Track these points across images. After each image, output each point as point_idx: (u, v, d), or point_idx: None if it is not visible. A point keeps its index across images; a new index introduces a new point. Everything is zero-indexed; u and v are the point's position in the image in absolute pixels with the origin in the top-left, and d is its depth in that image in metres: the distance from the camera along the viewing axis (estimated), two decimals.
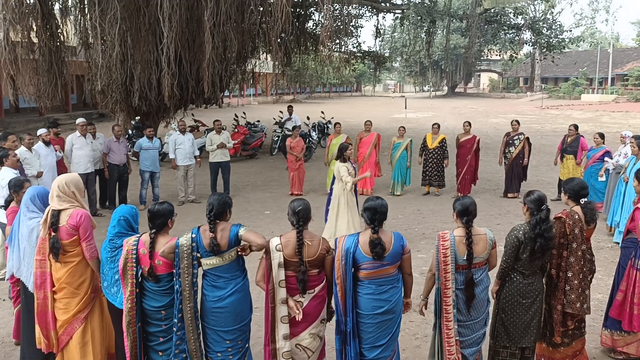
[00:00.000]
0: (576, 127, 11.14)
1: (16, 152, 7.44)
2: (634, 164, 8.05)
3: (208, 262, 3.83)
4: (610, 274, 5.25)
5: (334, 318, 3.92)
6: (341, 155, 7.78)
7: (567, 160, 10.94)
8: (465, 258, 3.94)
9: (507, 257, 4.28)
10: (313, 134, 18.14)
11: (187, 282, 3.80)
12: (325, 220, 8.19)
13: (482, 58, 70.73)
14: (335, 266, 3.81)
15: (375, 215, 3.78)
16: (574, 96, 54.67)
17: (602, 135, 10.16)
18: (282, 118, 18.30)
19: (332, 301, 4.00)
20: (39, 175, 8.42)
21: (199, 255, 3.84)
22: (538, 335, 4.45)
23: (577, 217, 4.48)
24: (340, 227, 7.69)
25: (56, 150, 9.41)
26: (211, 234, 3.78)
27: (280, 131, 18.24)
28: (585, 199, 4.57)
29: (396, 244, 3.80)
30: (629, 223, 4.88)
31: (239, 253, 3.86)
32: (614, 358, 4.96)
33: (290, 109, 15.53)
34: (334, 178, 8.04)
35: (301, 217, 3.78)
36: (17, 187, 5.00)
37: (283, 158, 16.76)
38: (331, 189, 8.16)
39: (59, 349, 4.38)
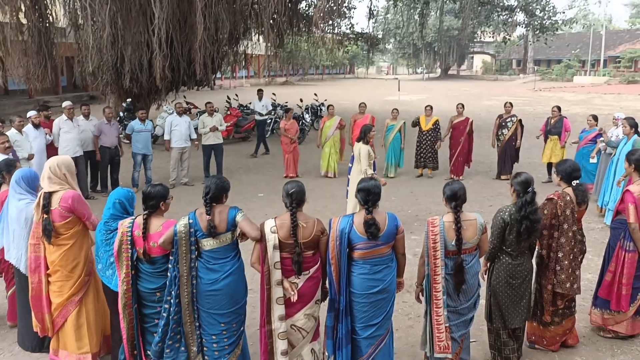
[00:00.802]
0: (559, 108, 11.17)
1: (7, 133, 7.38)
2: (625, 145, 8.10)
3: (206, 243, 3.84)
4: (600, 254, 5.32)
5: (328, 297, 3.96)
6: (364, 137, 7.68)
7: (550, 142, 10.98)
8: (454, 244, 3.97)
9: (494, 238, 4.34)
10: (306, 116, 18.09)
11: (185, 267, 3.81)
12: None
13: (475, 40, 70.54)
14: (330, 246, 3.84)
15: (369, 196, 3.80)
16: (567, 78, 54.72)
17: (595, 118, 10.19)
18: (250, 103, 17.90)
19: (327, 282, 4.04)
20: (30, 157, 8.37)
21: (196, 238, 3.85)
22: (528, 315, 4.52)
23: (568, 198, 4.53)
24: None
25: (46, 134, 9.33)
26: (208, 216, 3.79)
27: (273, 113, 18.14)
28: (577, 181, 4.61)
29: (390, 224, 3.83)
30: (618, 204, 4.93)
31: (239, 241, 3.90)
32: (604, 336, 5.04)
33: (260, 93, 15.16)
34: (352, 157, 8.04)
35: (295, 199, 3.79)
36: (8, 168, 4.97)
37: (276, 141, 16.74)
38: (350, 169, 8.11)
39: (54, 332, 4.41)
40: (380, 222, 3.79)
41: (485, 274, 4.50)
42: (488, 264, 4.48)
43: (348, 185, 8.19)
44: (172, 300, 3.84)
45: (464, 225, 3.98)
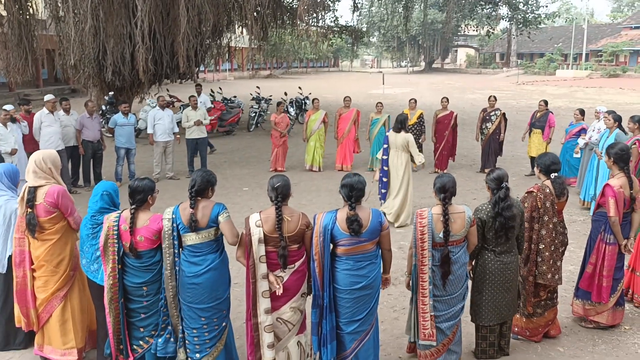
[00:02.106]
0: (546, 102, 11.24)
1: None
2: (607, 138, 8.20)
3: (188, 238, 3.84)
4: (582, 246, 5.41)
5: (312, 292, 3.96)
6: (403, 127, 7.89)
7: (534, 135, 11.06)
8: (441, 235, 4.01)
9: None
10: (291, 109, 18.04)
11: (168, 261, 3.83)
12: (381, 196, 8.30)
13: (459, 33, 70.95)
14: (314, 242, 3.84)
15: (352, 192, 3.80)
16: (549, 72, 55.29)
17: (582, 112, 10.24)
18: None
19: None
20: (13, 152, 8.26)
21: (179, 233, 3.85)
22: (515, 310, 4.57)
23: (548, 190, 4.59)
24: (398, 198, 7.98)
25: (22, 125, 9.16)
26: (191, 209, 3.78)
27: (257, 107, 18.07)
28: (556, 174, 4.68)
29: (374, 220, 3.83)
30: (599, 198, 5.01)
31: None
32: (585, 327, 5.12)
33: (198, 89, 14.58)
34: (384, 149, 8.10)
35: (280, 193, 3.78)
36: None
37: (261, 134, 16.70)
38: (384, 161, 8.15)
39: (39, 326, 4.37)
40: (363, 219, 3.78)
41: (471, 272, 4.54)
42: (470, 262, 4.50)
43: (385, 177, 8.16)
44: (162, 292, 3.85)
45: (452, 218, 4.02)
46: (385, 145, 8.19)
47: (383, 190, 8.35)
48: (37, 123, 9.39)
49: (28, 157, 8.57)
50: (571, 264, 6.41)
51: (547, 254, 4.60)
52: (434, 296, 4.09)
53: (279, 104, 12.27)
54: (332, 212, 3.91)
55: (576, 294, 5.20)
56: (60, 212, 4.23)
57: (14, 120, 8.91)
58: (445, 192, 4.02)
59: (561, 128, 10.81)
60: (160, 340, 3.91)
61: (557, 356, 4.63)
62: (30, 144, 9.19)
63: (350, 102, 12.01)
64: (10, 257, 4.45)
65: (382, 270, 4.01)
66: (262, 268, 3.79)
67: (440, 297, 4.13)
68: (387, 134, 8.31)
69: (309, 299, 4.02)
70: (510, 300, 4.48)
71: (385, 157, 8.16)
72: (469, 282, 4.35)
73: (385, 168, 8.17)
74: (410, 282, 4.22)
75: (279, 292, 3.78)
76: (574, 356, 4.63)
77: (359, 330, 3.91)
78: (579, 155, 9.69)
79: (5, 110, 8.55)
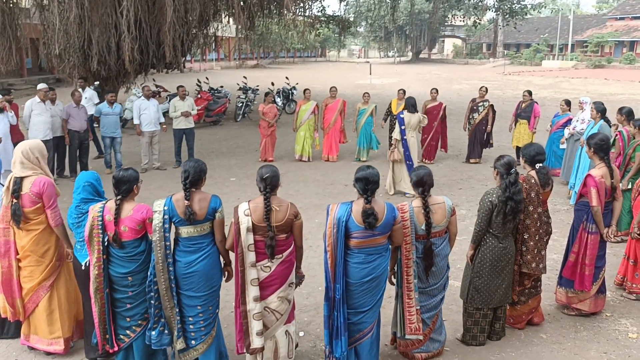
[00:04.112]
0: (530, 92, 11.31)
1: None
2: (591, 129, 8.30)
3: (184, 231, 3.85)
4: (566, 235, 5.50)
5: (323, 285, 3.96)
6: (415, 108, 9.10)
7: (520, 126, 11.16)
8: (423, 227, 4.05)
9: (481, 221, 4.44)
10: (278, 100, 17.99)
11: (160, 255, 3.80)
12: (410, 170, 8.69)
13: (446, 23, 70.90)
14: (327, 234, 3.84)
15: (367, 185, 3.79)
16: (535, 62, 55.56)
17: (568, 103, 10.33)
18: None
19: (300, 265, 4.12)
20: None
21: (171, 225, 3.86)
22: (509, 295, 4.66)
23: (533, 181, 4.66)
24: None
25: (10, 115, 9.07)
26: (187, 201, 3.78)
27: (244, 97, 18.00)
28: (541, 164, 4.75)
29: (388, 214, 3.83)
30: (581, 188, 5.09)
31: None
32: (568, 314, 5.22)
33: (82, 83, 13.07)
34: (402, 130, 8.83)
35: (269, 184, 3.80)
36: None
37: (248, 125, 16.65)
38: (405, 141, 8.91)
39: (25, 316, 4.37)
40: (378, 212, 3.78)
41: (472, 257, 4.60)
42: (474, 248, 4.57)
43: (408, 151, 8.95)
44: (152, 287, 3.86)
45: (433, 209, 4.07)
46: (402, 127, 8.89)
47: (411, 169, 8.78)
48: (27, 111, 9.34)
49: (14, 148, 8.55)
50: (555, 253, 6.51)
51: (531, 243, 4.67)
52: (417, 288, 4.15)
53: (266, 94, 12.23)
54: (347, 204, 3.88)
55: (559, 282, 5.29)
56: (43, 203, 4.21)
57: (1, 109, 8.81)
58: (423, 185, 4.07)
59: (547, 118, 10.92)
60: (154, 333, 3.91)
61: (540, 343, 4.72)
62: (16, 134, 9.09)
63: (336, 92, 12.01)
64: None
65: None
66: (251, 256, 3.81)
67: (423, 288, 4.20)
68: (402, 115, 8.98)
69: (299, 288, 4.05)
70: (508, 285, 4.57)
71: (404, 138, 8.93)
72: (449, 273, 4.41)
73: (407, 147, 8.96)
74: (394, 276, 4.26)
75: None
76: (557, 342, 4.73)
77: (364, 321, 3.93)
78: (564, 146, 9.80)
79: None
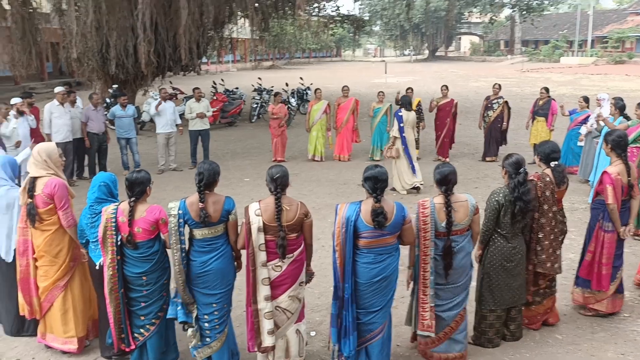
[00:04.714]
0: (547, 89, 11.18)
1: None
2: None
3: (198, 233, 3.89)
4: (583, 234, 5.41)
5: (332, 284, 3.95)
6: (411, 107, 9.46)
7: (537, 123, 11.03)
8: (444, 225, 4.01)
9: (488, 220, 4.39)
10: (292, 100, 18.02)
11: (176, 257, 3.85)
12: (412, 166, 9.24)
13: (462, 21, 70.42)
14: (335, 233, 3.83)
15: (376, 183, 3.76)
16: (554, 59, 54.80)
17: (586, 99, 10.19)
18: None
19: (310, 264, 4.13)
20: (17, 144, 8.32)
21: (186, 227, 3.90)
22: (523, 295, 4.59)
23: (548, 179, 4.59)
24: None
25: (30, 119, 9.24)
26: (201, 204, 3.81)
27: (259, 98, 18.06)
28: (556, 162, 4.68)
29: (398, 214, 3.81)
30: (597, 186, 5.02)
31: None
32: (585, 314, 5.13)
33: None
34: (400, 127, 9.05)
35: (279, 184, 3.82)
36: None
37: (262, 125, 16.71)
38: (404, 138, 9.14)
39: (41, 315, 4.46)
40: (388, 212, 3.75)
41: (479, 258, 4.56)
42: (482, 248, 4.52)
43: (407, 148, 9.20)
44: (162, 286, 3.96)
45: (455, 207, 4.01)
46: (401, 124, 9.06)
47: (412, 163, 9.29)
48: (47, 114, 9.50)
49: None
50: (572, 252, 6.43)
51: (546, 242, 4.61)
52: (436, 285, 4.10)
53: (275, 94, 12.30)
54: (356, 203, 3.86)
55: (576, 282, 5.21)
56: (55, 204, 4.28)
57: (21, 113, 8.98)
58: (447, 183, 4.02)
59: (565, 116, 10.77)
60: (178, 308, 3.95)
61: (556, 343, 4.66)
62: (37, 137, 9.26)
63: (348, 91, 12.00)
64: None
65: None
66: (262, 256, 3.83)
67: (444, 285, 4.14)
68: (400, 113, 9.15)
69: (309, 286, 4.05)
70: (520, 284, 4.51)
71: (404, 135, 9.12)
72: (473, 272, 4.35)
73: (406, 144, 9.17)
74: (413, 272, 4.21)
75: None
76: (573, 343, 4.66)
77: (374, 321, 3.91)
78: (582, 144, 9.67)
79: (5, 104, 8.60)
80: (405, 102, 9.37)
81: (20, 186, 4.52)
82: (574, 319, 5.09)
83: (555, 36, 60.27)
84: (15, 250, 4.53)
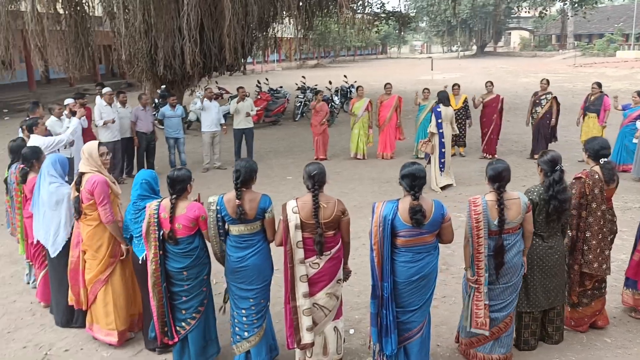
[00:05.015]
0: (599, 85, 10.76)
1: (46, 122, 7.65)
2: None
3: (235, 229, 3.96)
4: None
5: (371, 282, 3.94)
6: (448, 102, 9.46)
7: (588, 119, 10.64)
8: (496, 223, 3.92)
9: None
10: (335, 98, 18.03)
11: (216, 248, 4.06)
12: (441, 165, 9.26)
13: (511, 15, 68.66)
14: (372, 232, 3.82)
15: (414, 181, 3.72)
16: (609, 53, 52.66)
17: None
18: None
19: (347, 262, 4.13)
20: (71, 144, 8.64)
21: (224, 222, 4.00)
22: (560, 297, 4.43)
23: (597, 177, 4.44)
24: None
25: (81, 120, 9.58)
26: (238, 201, 3.87)
27: (302, 97, 18.15)
28: (606, 159, 4.51)
29: (436, 212, 3.75)
30: None
31: None
32: (635, 317, 4.94)
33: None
34: (438, 123, 9.15)
35: (317, 181, 3.83)
36: (37, 155, 5.17)
37: (306, 124, 16.80)
38: (441, 134, 9.17)
39: (87, 305, 4.65)
40: (426, 210, 3.70)
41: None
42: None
43: (443, 148, 9.23)
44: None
45: (507, 205, 3.91)
46: (439, 120, 9.11)
47: (442, 160, 9.25)
48: (97, 115, 9.82)
49: None
50: (623, 253, 6.16)
51: (594, 242, 4.46)
52: (488, 284, 4.02)
53: (316, 92, 12.33)
54: (393, 202, 3.83)
55: (626, 284, 5.02)
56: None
57: (73, 113, 9.32)
58: (501, 180, 3.92)
59: (618, 110, 10.35)
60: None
61: (604, 347, 4.49)
62: (89, 137, 9.61)
63: (391, 89, 11.91)
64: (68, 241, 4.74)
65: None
66: (299, 253, 3.86)
67: (495, 286, 4.05)
68: (439, 109, 9.20)
69: (346, 284, 4.04)
70: (558, 286, 4.36)
71: (441, 131, 9.13)
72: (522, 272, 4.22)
73: (443, 140, 9.17)
74: (472, 274, 4.09)
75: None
76: (622, 347, 4.48)
77: (412, 320, 3.87)
78: (638, 141, 9.28)
79: (58, 105, 8.95)
80: (442, 97, 9.39)
81: (69, 184, 4.72)
82: (624, 322, 4.90)
83: (610, 29, 57.96)
84: (63, 245, 4.74)
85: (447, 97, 9.54)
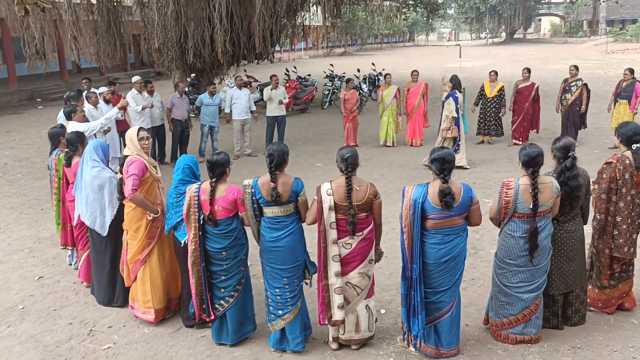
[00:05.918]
0: (632, 71, 10.59)
1: (83, 109, 7.91)
2: None
3: (269, 211, 4.12)
4: None
5: (401, 264, 4.08)
6: (462, 87, 9.84)
7: (619, 106, 10.51)
8: (530, 207, 4.00)
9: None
10: (364, 86, 18.06)
11: (254, 228, 4.25)
12: (457, 147, 9.59)
13: (542, 1, 67.10)
14: (403, 215, 3.96)
15: (444, 164, 3.83)
16: None
17: None
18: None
19: (379, 243, 4.27)
20: (107, 131, 8.93)
21: (259, 205, 4.17)
22: (581, 280, 4.49)
23: (627, 162, 4.46)
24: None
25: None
26: (272, 183, 4.03)
27: (330, 85, 18.22)
28: (638, 144, 4.52)
29: (465, 195, 3.87)
30: None
31: None
32: None
33: (89, 84, 10.78)
34: (456, 108, 9.49)
35: (350, 164, 3.96)
36: (81, 139, 5.39)
37: (334, 112, 16.87)
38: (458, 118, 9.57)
39: (130, 282, 4.89)
40: (455, 193, 3.83)
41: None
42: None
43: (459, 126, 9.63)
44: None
45: (540, 189, 4.00)
46: (458, 105, 9.46)
47: (458, 142, 9.63)
48: (132, 103, 10.08)
49: (119, 137, 9.29)
50: None
51: (624, 226, 4.50)
52: (518, 266, 4.13)
53: (347, 80, 12.39)
54: (423, 185, 3.96)
55: None
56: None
57: (107, 101, 9.61)
58: (535, 165, 4.00)
59: (638, 100, 10.19)
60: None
61: (631, 328, 4.54)
62: (122, 124, 9.89)
63: (417, 75, 11.92)
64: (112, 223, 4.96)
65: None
66: (333, 234, 4.01)
67: (524, 267, 4.15)
68: (457, 95, 9.51)
69: (378, 265, 4.17)
70: (576, 269, 4.42)
71: (459, 116, 9.53)
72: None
73: (458, 125, 9.58)
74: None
75: None
76: None
77: (442, 300, 4.01)
78: None
79: (94, 92, 9.23)
80: (456, 83, 9.72)
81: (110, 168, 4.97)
82: None
83: None
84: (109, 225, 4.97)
85: (460, 82, 9.89)
